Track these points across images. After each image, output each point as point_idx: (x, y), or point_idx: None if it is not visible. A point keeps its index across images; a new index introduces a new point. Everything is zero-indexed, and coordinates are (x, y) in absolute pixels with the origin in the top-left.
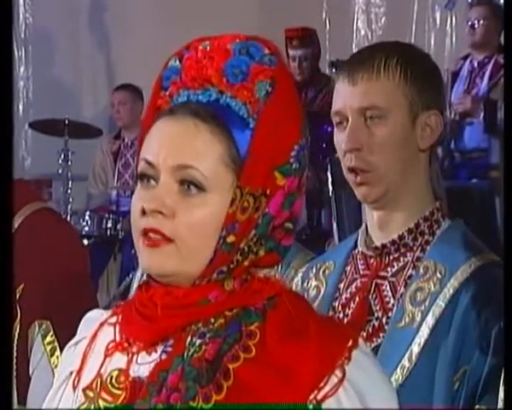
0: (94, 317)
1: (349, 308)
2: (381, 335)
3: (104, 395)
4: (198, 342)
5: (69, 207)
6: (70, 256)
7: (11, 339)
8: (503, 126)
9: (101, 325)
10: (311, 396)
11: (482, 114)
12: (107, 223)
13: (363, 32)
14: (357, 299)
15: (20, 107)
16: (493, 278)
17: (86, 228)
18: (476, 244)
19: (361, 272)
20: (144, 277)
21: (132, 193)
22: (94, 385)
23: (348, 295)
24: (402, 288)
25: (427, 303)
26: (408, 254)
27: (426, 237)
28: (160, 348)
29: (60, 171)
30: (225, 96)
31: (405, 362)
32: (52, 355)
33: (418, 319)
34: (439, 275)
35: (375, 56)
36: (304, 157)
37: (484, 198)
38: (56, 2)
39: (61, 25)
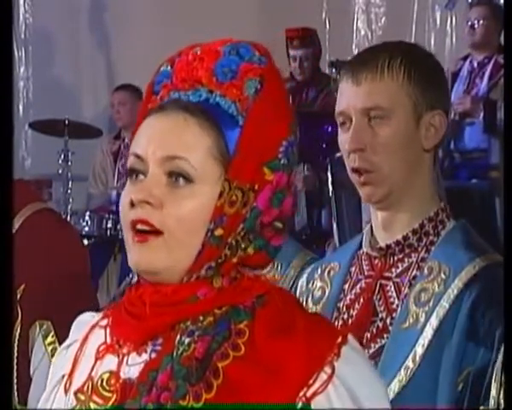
0: (85, 320)
1: (353, 309)
2: (385, 336)
3: (95, 397)
4: (187, 340)
5: (69, 207)
6: (70, 257)
7: (12, 340)
8: (502, 127)
9: (92, 327)
10: (301, 394)
11: (482, 115)
12: (107, 223)
13: (363, 32)
14: (362, 300)
15: (20, 107)
16: (498, 279)
17: (86, 228)
18: (481, 245)
19: (366, 273)
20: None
21: None
22: (85, 388)
23: (353, 296)
24: (406, 289)
25: (431, 304)
26: (412, 254)
27: (430, 238)
28: (149, 348)
29: (60, 171)
30: (215, 95)
31: (409, 363)
32: (53, 356)
33: (422, 319)
34: (443, 276)
35: (378, 57)
36: (292, 154)
37: (484, 198)
38: (56, 3)
39: (61, 25)
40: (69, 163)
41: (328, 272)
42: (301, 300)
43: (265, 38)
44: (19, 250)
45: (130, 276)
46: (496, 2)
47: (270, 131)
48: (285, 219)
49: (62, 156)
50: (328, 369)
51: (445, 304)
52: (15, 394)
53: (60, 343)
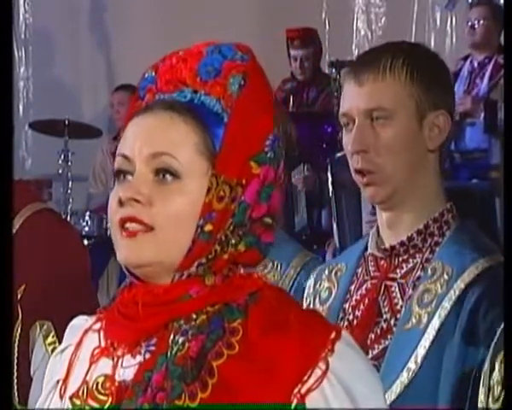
0: (78, 324)
1: (359, 310)
2: (388, 337)
3: (91, 401)
4: (181, 339)
5: (69, 207)
6: (71, 257)
7: (12, 340)
8: (503, 127)
9: (86, 331)
10: (295, 390)
11: (482, 115)
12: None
13: (362, 33)
14: (367, 301)
15: (21, 107)
16: (501, 280)
17: (86, 228)
18: (486, 245)
19: (371, 274)
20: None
21: None
22: (80, 393)
23: (358, 297)
24: (410, 289)
25: (433, 305)
26: (417, 255)
27: (435, 239)
28: (143, 349)
29: (60, 171)
30: (199, 94)
31: (411, 364)
32: None
33: (425, 320)
34: (446, 276)
35: (381, 57)
36: (278, 148)
37: (484, 198)
38: (56, 3)
39: (61, 25)
40: (69, 163)
41: (336, 272)
42: (309, 300)
43: (265, 38)
44: (19, 251)
45: None
46: (496, 2)
47: (255, 126)
48: (274, 214)
49: (62, 156)
50: (322, 365)
51: (446, 305)
52: (16, 394)
53: (60, 344)
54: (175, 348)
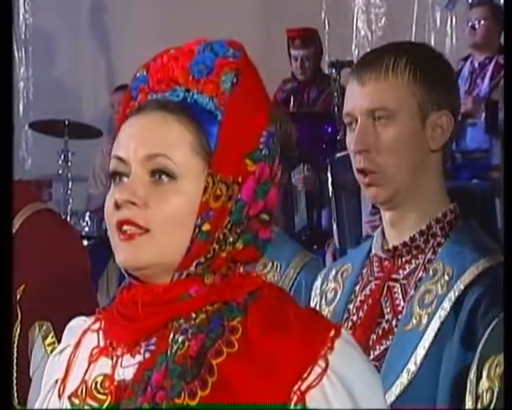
0: (77, 324)
1: (362, 311)
2: (390, 337)
3: (89, 400)
4: (180, 338)
5: (69, 207)
6: (70, 257)
7: (11, 340)
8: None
9: (85, 332)
10: (295, 388)
11: (483, 115)
12: None
13: (362, 33)
14: (370, 301)
15: (21, 107)
16: (501, 280)
17: (86, 229)
18: (487, 245)
19: (375, 275)
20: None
21: None
22: (79, 392)
23: (362, 298)
24: (412, 290)
25: (433, 306)
26: (419, 256)
27: (438, 239)
28: (143, 348)
29: (60, 171)
30: (192, 93)
31: (411, 365)
32: None
33: (424, 321)
34: (446, 277)
35: (384, 57)
36: (273, 144)
37: (485, 199)
38: (56, 3)
39: (61, 25)
40: (69, 164)
41: (342, 273)
42: (316, 301)
43: (265, 38)
44: (18, 251)
45: None
46: (496, 2)
47: (250, 123)
48: (270, 211)
49: (62, 157)
50: (321, 363)
51: (446, 306)
52: (15, 394)
53: (59, 344)
54: (175, 347)
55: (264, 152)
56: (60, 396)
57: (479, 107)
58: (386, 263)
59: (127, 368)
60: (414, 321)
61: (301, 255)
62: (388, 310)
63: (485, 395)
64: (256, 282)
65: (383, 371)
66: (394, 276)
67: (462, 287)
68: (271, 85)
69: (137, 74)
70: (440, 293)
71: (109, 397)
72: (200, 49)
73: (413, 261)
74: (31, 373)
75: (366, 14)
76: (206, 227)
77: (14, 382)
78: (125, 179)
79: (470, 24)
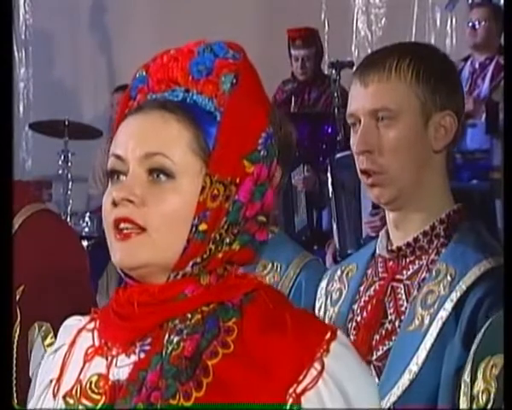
0: (72, 324)
1: (366, 311)
2: (393, 338)
3: (84, 400)
4: (176, 339)
5: (69, 208)
6: (70, 258)
7: (11, 341)
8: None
9: (80, 331)
10: (291, 390)
11: (484, 116)
12: None
13: (362, 33)
14: (374, 302)
15: (21, 108)
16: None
17: (86, 229)
18: (491, 246)
19: (380, 275)
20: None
21: None
22: (74, 392)
23: (367, 298)
24: (415, 291)
25: (435, 306)
26: (423, 257)
27: (442, 240)
28: (138, 348)
29: (60, 172)
30: (191, 93)
31: (412, 366)
32: None
33: (427, 322)
34: (449, 278)
35: (387, 57)
36: (272, 145)
37: (485, 199)
38: (56, 4)
39: (61, 26)
40: (69, 164)
41: (347, 273)
42: (321, 301)
43: (265, 38)
44: (18, 251)
45: None
46: (496, 3)
47: (249, 125)
48: (268, 212)
49: (62, 157)
50: (317, 365)
51: (448, 307)
52: (14, 395)
53: None
54: (170, 348)
55: (262, 153)
56: (54, 396)
57: (479, 107)
58: (390, 264)
59: (122, 368)
60: (416, 322)
61: (301, 256)
62: (392, 311)
63: (480, 396)
64: (252, 283)
65: (385, 371)
66: (398, 276)
67: (464, 288)
68: (271, 86)
69: (137, 74)
70: (443, 294)
71: (104, 397)
72: (200, 51)
73: (417, 262)
74: (30, 374)
75: (366, 14)
76: (202, 227)
77: (14, 382)
78: (123, 178)
79: (470, 24)
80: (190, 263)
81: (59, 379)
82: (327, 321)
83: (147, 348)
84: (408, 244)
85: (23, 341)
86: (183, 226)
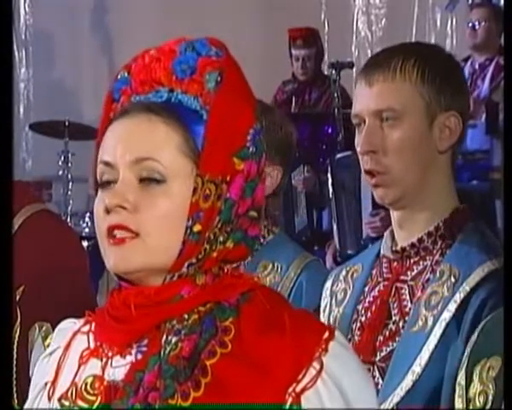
0: (67, 327)
1: (371, 312)
2: (397, 339)
3: (79, 401)
4: (174, 339)
5: (69, 208)
6: (70, 258)
7: (11, 341)
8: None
9: (75, 334)
10: (290, 389)
11: (484, 116)
12: None
13: (363, 34)
14: (379, 302)
15: (21, 108)
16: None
17: (86, 229)
18: (495, 247)
19: (384, 276)
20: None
21: None
22: (69, 394)
23: (371, 299)
24: (419, 292)
25: (439, 307)
26: (427, 257)
27: (446, 241)
28: (134, 349)
29: (60, 172)
30: (176, 93)
31: (416, 367)
32: None
33: (430, 323)
34: (453, 279)
35: (392, 57)
36: (260, 141)
37: (485, 200)
38: (57, 4)
39: (61, 26)
40: (69, 164)
41: (352, 274)
42: (326, 301)
43: (265, 38)
44: (18, 252)
45: None
46: (496, 3)
47: (236, 122)
48: (259, 207)
49: (62, 158)
50: (316, 364)
51: (451, 308)
52: (15, 395)
53: None
54: (168, 348)
55: (251, 149)
56: (49, 399)
57: (479, 108)
58: (394, 264)
59: (117, 368)
60: (420, 323)
61: (302, 257)
62: (396, 311)
63: (477, 398)
64: (248, 283)
65: (389, 372)
66: (402, 277)
67: (467, 289)
68: (271, 86)
69: (118, 76)
70: (446, 295)
71: (99, 398)
72: (181, 49)
73: (421, 263)
74: (30, 374)
75: (366, 15)
76: (197, 228)
77: (14, 383)
78: (113, 183)
79: (470, 25)
80: (186, 264)
81: (54, 382)
82: (331, 321)
83: (143, 349)
84: (412, 245)
85: (23, 341)
86: (176, 229)
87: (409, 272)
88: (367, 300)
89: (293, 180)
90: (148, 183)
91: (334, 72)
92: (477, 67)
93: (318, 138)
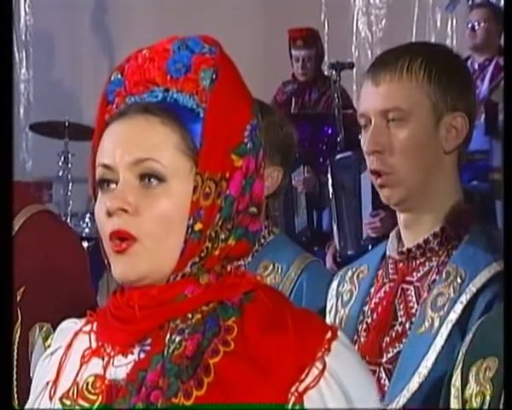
0: (68, 326)
1: (377, 313)
2: (403, 340)
3: (80, 401)
4: (178, 338)
5: (69, 209)
6: (70, 258)
7: (12, 342)
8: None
9: (76, 333)
10: (293, 388)
11: (483, 117)
12: None
13: (363, 34)
14: (385, 304)
15: (21, 109)
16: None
17: (86, 230)
18: (501, 248)
19: (390, 277)
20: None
21: None
22: (70, 393)
23: (377, 300)
24: (426, 293)
25: (445, 309)
26: (434, 258)
27: (452, 242)
28: (137, 349)
29: (60, 173)
30: (171, 92)
31: (422, 369)
32: None
33: (436, 324)
34: (459, 280)
35: (399, 57)
36: (257, 137)
37: (485, 200)
38: (57, 4)
39: (62, 27)
40: (69, 165)
41: (358, 275)
42: (332, 302)
43: (265, 39)
44: (18, 252)
45: None
46: (496, 4)
47: (233, 118)
48: (258, 203)
49: (63, 158)
50: (319, 364)
51: (457, 309)
52: (15, 396)
53: None
54: (172, 347)
55: (249, 145)
56: (51, 398)
57: (478, 108)
58: (400, 265)
59: (119, 367)
60: (426, 324)
61: (302, 257)
62: (402, 313)
63: (473, 399)
64: (251, 282)
65: (395, 374)
66: (408, 278)
67: (473, 290)
68: (272, 87)
69: (112, 78)
70: (452, 296)
71: (100, 397)
72: (175, 48)
73: (427, 264)
74: (31, 375)
75: (366, 15)
76: (198, 226)
77: (15, 383)
78: (113, 186)
79: (470, 25)
80: (189, 263)
81: (55, 381)
82: (338, 323)
83: (147, 348)
84: (418, 246)
85: (24, 342)
86: (178, 228)
87: (415, 273)
88: (373, 301)
89: (294, 181)
90: (148, 183)
91: (334, 72)
92: (476, 67)
93: (318, 139)
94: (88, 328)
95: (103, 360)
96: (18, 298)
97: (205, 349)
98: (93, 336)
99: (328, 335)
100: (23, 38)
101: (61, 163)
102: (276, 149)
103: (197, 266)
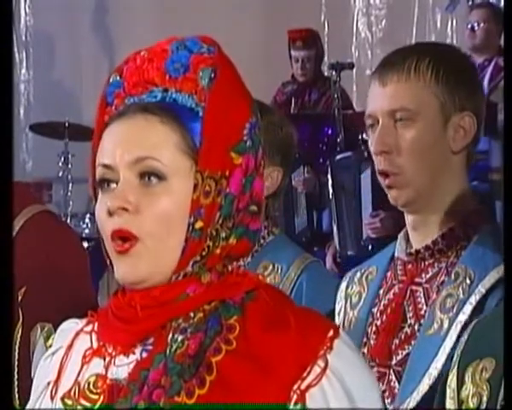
0: (69, 327)
1: (386, 315)
2: (412, 342)
3: (82, 401)
4: (180, 337)
5: (69, 209)
6: (70, 259)
7: (13, 342)
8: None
9: (77, 334)
10: (295, 386)
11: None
12: None
13: (363, 35)
14: (394, 305)
15: (21, 109)
16: None
17: (86, 230)
18: None
19: (399, 278)
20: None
21: None
22: (72, 393)
23: (386, 302)
24: (435, 294)
25: (455, 310)
26: (442, 259)
27: (461, 243)
28: (139, 349)
29: (60, 173)
30: (170, 92)
31: (432, 370)
32: None
33: (446, 326)
34: (468, 281)
35: (406, 57)
36: (256, 135)
37: (484, 201)
38: (57, 5)
39: (62, 27)
40: (69, 165)
41: (367, 276)
42: (340, 304)
43: (265, 39)
44: (19, 253)
45: None
46: (496, 4)
47: (232, 117)
48: (258, 201)
49: (63, 159)
50: (321, 362)
51: (467, 310)
52: (16, 396)
53: None
54: (174, 346)
55: (248, 143)
56: (52, 398)
57: None
58: (409, 267)
59: (121, 367)
60: (435, 326)
61: (302, 258)
62: (411, 314)
63: (470, 400)
64: (253, 281)
65: (405, 376)
66: (417, 280)
67: (483, 291)
68: (271, 87)
69: (110, 80)
70: (462, 297)
71: (102, 396)
72: (173, 48)
73: (436, 265)
74: (32, 375)
75: (366, 15)
76: (199, 225)
77: (16, 384)
78: (114, 185)
79: (470, 26)
80: (191, 262)
81: (56, 381)
82: (347, 325)
83: (149, 347)
84: (427, 247)
85: (25, 342)
86: (178, 227)
87: (424, 275)
88: (382, 303)
89: (294, 181)
90: (148, 182)
91: (334, 73)
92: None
93: (318, 139)
94: (89, 328)
95: (104, 359)
96: (19, 298)
97: (207, 348)
98: (94, 337)
99: (330, 333)
100: (23, 38)
101: (61, 164)
102: (275, 149)
103: (199, 265)
